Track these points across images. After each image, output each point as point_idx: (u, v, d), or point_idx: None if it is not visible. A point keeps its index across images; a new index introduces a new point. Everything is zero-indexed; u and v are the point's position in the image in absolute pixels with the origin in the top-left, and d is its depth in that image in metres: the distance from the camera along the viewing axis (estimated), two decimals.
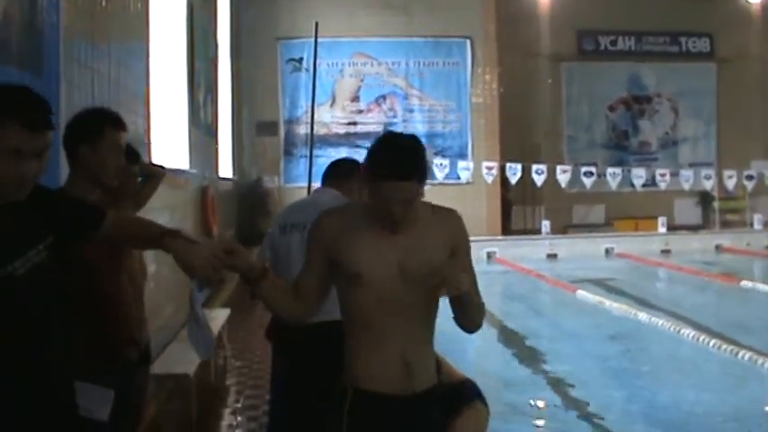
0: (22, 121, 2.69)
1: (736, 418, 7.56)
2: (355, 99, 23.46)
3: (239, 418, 7.31)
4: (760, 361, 9.36)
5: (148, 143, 8.03)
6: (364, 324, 3.30)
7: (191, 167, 10.83)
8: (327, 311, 3.71)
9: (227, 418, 7.47)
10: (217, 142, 13.91)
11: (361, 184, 4.63)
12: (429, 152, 22.15)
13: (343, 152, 21.91)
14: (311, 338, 4.43)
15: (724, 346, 10.17)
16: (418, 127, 22.66)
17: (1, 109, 2.69)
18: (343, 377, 3.34)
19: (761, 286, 15.77)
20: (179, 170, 10.06)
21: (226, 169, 15.57)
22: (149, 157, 8.12)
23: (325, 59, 21.83)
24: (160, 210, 8.30)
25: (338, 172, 5.38)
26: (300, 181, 19.70)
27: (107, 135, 3.93)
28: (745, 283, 16.16)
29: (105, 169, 3.94)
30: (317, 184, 10.13)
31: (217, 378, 8.58)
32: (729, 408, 7.93)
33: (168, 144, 9.64)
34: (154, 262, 7.50)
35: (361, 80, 23.49)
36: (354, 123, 23.04)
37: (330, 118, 22.91)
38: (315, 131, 15.58)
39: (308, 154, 12.81)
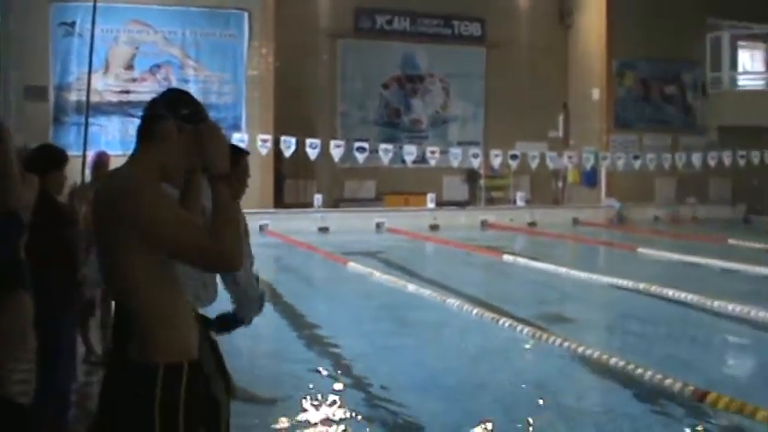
0: None
1: (497, 383, 7.89)
2: (129, 67, 22.85)
3: None
4: (519, 328, 9.84)
5: None
6: (180, 290, 3.21)
7: None
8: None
9: None
10: None
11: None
12: None
13: (115, 121, 21.35)
14: None
15: (486, 315, 10.62)
16: None
17: None
18: (163, 353, 3.07)
19: (521, 260, 16.55)
20: None
21: None
22: None
23: (100, 25, 20.94)
24: None
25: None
26: (72, 150, 18.93)
27: None
28: (507, 257, 16.91)
29: None
30: (91, 153, 9.75)
31: None
32: (490, 373, 8.28)
33: None
34: None
35: (136, 48, 22.89)
36: (128, 92, 22.44)
37: (103, 85, 22.18)
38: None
39: (83, 122, 12.30)
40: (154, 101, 3.25)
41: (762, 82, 31.39)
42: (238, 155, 4.91)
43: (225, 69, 23.61)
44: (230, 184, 3.11)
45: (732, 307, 11.08)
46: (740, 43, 31.13)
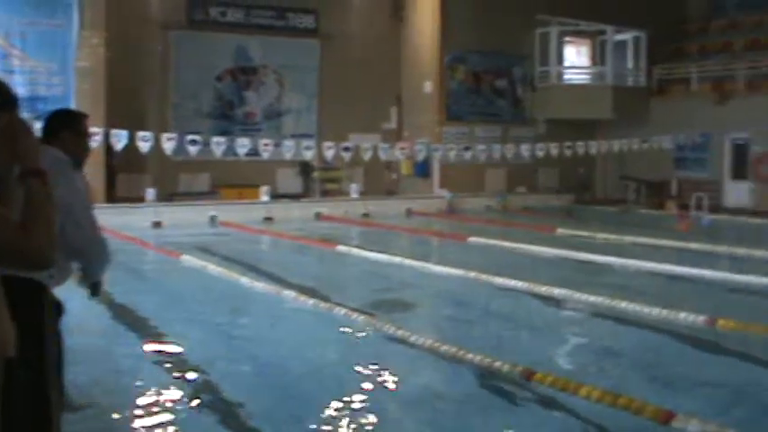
0: None
1: (332, 371, 7.95)
2: None
3: None
4: (354, 316, 9.94)
5: None
6: None
7: None
8: None
9: None
10: None
11: None
12: (29, 117, 21.16)
13: None
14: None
15: (322, 305, 10.67)
16: (19, 90, 21.51)
17: None
18: None
19: (356, 251, 16.70)
20: None
21: None
22: None
23: None
24: None
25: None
26: None
27: None
28: (341, 248, 17.01)
29: None
30: None
31: None
32: (325, 361, 8.33)
33: None
34: None
35: None
36: None
37: None
38: None
39: None
40: None
41: (587, 76, 32.51)
42: (78, 117, 4.81)
43: (53, 60, 22.86)
44: (44, 180, 3.00)
45: (558, 291, 11.48)
46: (567, 39, 32.15)
